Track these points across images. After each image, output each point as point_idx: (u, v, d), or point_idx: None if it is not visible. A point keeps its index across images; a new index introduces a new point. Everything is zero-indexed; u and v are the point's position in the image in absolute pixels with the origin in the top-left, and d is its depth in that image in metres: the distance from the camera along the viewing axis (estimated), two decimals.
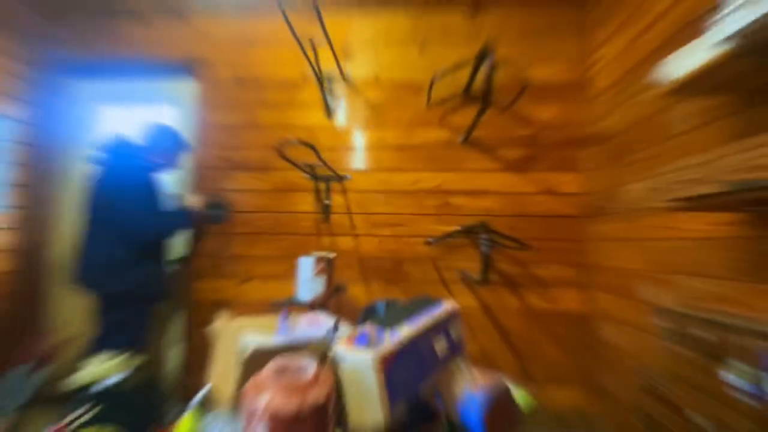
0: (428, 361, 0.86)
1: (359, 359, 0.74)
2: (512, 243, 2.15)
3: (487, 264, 1.77)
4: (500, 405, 0.82)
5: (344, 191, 2.34)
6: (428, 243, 2.24)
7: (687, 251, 1.46)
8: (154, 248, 2.08)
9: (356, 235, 2.31)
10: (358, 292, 2.29)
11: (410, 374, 0.80)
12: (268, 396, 0.62)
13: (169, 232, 2.07)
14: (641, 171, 1.74)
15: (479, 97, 2.00)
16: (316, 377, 0.68)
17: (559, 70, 2.29)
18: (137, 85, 2.61)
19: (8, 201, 2.29)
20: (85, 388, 1.51)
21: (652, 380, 1.53)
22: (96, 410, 1.43)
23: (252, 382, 0.67)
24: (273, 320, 1.20)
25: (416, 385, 0.81)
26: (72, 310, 2.51)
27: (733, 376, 1.13)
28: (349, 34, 2.41)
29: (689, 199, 1.14)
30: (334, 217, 2.33)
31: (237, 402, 0.85)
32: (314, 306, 1.81)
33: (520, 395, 1.39)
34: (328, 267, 1.84)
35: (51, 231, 2.51)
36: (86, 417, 1.41)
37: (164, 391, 2.16)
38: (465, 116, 2.28)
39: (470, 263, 2.24)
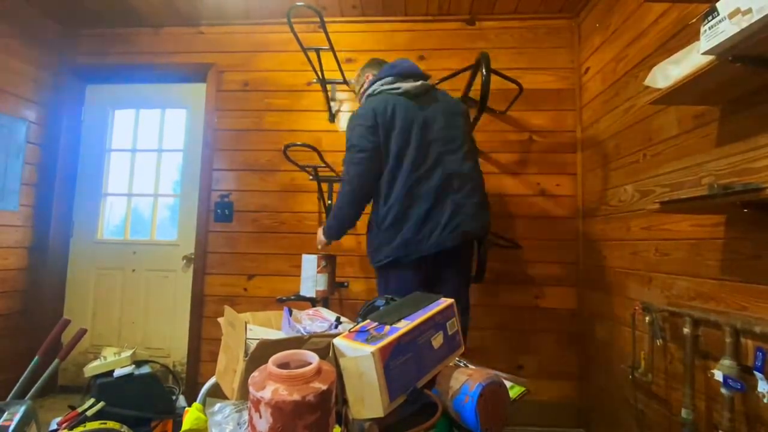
0: (426, 355, 0.88)
1: (359, 353, 0.77)
2: (506, 242, 2.20)
3: (483, 262, 1.82)
4: (495, 399, 0.83)
5: None
6: None
7: (674, 251, 1.51)
8: None
9: (357, 235, 2.37)
10: (358, 289, 2.34)
11: (409, 368, 0.82)
12: (272, 388, 0.63)
13: None
14: (630, 174, 1.79)
15: (476, 103, 2.05)
16: (318, 370, 0.69)
17: (551, 77, 2.35)
18: (150, 90, 2.68)
19: (23, 200, 2.35)
20: (96, 379, 1.55)
21: (641, 375, 1.57)
22: (103, 402, 1.46)
23: (257, 374, 0.69)
24: (277, 315, 1.24)
25: (414, 378, 0.83)
26: (83, 304, 2.58)
27: (719, 372, 1.17)
28: (352, 42, 2.48)
29: (675, 201, 1.19)
30: None
31: (242, 394, 0.88)
32: (317, 301, 1.85)
33: (513, 389, 1.44)
34: (330, 265, 1.89)
35: (63, 229, 2.57)
36: (94, 409, 1.44)
37: (172, 382, 2.21)
38: None
39: None
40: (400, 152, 1.52)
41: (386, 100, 1.55)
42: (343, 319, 1.17)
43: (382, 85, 1.60)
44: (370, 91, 1.63)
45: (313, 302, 1.84)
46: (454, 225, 1.48)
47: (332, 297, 2.24)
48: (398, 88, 1.57)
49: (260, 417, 0.63)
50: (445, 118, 1.59)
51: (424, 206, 1.49)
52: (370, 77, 1.73)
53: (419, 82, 1.60)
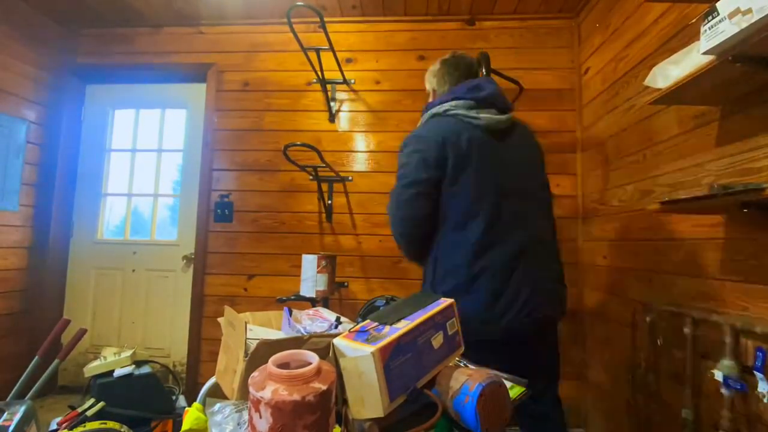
0: (426, 355, 0.88)
1: (359, 353, 0.77)
2: None
3: None
4: (494, 399, 0.83)
5: (346, 192, 2.39)
6: None
7: (674, 251, 1.51)
8: None
9: (357, 235, 2.37)
10: (358, 289, 2.34)
11: (409, 368, 0.82)
12: (272, 388, 0.63)
13: None
14: (630, 174, 1.79)
15: None
16: (318, 370, 0.69)
17: (552, 77, 2.35)
18: (150, 90, 2.68)
19: (23, 200, 2.35)
20: (96, 379, 1.55)
21: (641, 375, 1.57)
22: (103, 402, 1.46)
23: (257, 374, 0.68)
24: (278, 315, 1.24)
25: (414, 378, 0.83)
26: (83, 304, 2.58)
27: (719, 372, 1.17)
28: (352, 42, 2.48)
29: (675, 201, 1.19)
30: (336, 217, 2.38)
31: (242, 394, 0.87)
32: (317, 301, 1.85)
33: (513, 390, 1.43)
34: (330, 265, 1.89)
35: (63, 229, 2.57)
36: (94, 409, 1.44)
37: (172, 382, 2.21)
38: None
39: None
40: (472, 203, 1.21)
41: (460, 130, 1.23)
42: (343, 319, 1.17)
43: (457, 107, 1.27)
44: (438, 109, 1.30)
45: (313, 302, 1.84)
46: (531, 306, 1.16)
47: (332, 297, 2.24)
48: (478, 119, 1.25)
49: (260, 417, 0.63)
50: (526, 164, 1.32)
51: (495, 280, 1.17)
52: (440, 92, 1.41)
53: (504, 116, 1.28)
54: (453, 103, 1.28)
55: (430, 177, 1.22)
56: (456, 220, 1.22)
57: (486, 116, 1.25)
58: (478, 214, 1.19)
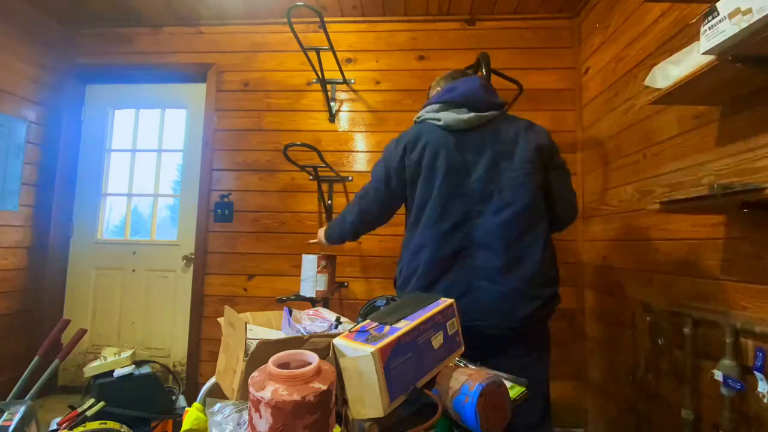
0: (426, 355, 0.88)
1: (359, 353, 0.77)
2: None
3: None
4: (494, 399, 0.83)
5: (346, 192, 2.39)
6: None
7: (674, 251, 1.51)
8: None
9: None
10: (358, 289, 2.34)
11: (409, 368, 0.82)
12: (272, 388, 0.63)
13: None
14: (630, 174, 1.79)
15: None
16: (318, 370, 0.69)
17: (552, 77, 2.36)
18: (150, 90, 2.69)
19: (23, 200, 2.35)
20: (96, 379, 1.56)
21: (641, 375, 1.57)
22: (103, 402, 1.46)
23: (257, 374, 0.68)
24: (278, 315, 1.24)
25: (414, 378, 0.83)
26: (83, 304, 2.58)
27: (719, 372, 1.17)
28: (352, 42, 2.48)
29: (675, 201, 1.19)
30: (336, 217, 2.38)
31: (242, 394, 0.88)
32: (317, 301, 1.85)
33: (513, 389, 1.43)
34: (330, 265, 1.89)
35: (63, 229, 2.57)
36: (94, 409, 1.44)
37: (172, 382, 2.21)
38: None
39: None
40: (423, 202, 1.24)
41: (420, 134, 1.26)
42: (343, 319, 1.17)
43: (427, 111, 1.30)
44: (417, 115, 1.34)
45: (313, 302, 1.84)
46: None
47: (332, 297, 2.24)
48: (439, 120, 1.25)
49: (260, 417, 0.63)
50: (491, 163, 1.22)
51: (430, 276, 1.19)
52: (433, 94, 1.40)
53: (469, 115, 1.23)
54: (426, 108, 1.31)
55: (389, 185, 1.31)
56: (410, 221, 1.29)
57: (446, 116, 1.23)
58: (423, 215, 1.23)
